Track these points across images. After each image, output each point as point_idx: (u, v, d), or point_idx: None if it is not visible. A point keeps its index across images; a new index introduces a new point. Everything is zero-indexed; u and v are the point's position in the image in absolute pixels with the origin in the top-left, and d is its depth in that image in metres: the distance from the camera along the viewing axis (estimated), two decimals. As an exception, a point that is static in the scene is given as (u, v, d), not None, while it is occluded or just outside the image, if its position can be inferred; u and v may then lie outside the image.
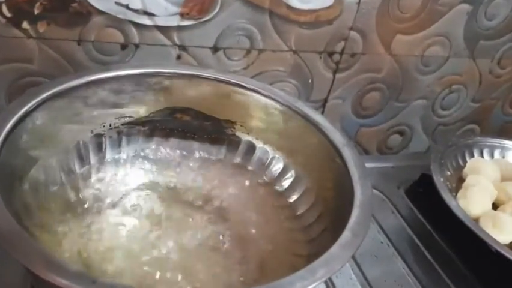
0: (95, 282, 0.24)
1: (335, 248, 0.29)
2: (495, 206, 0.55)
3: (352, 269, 0.47)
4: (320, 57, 0.56)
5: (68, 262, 0.25)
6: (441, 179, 0.52)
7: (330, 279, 0.46)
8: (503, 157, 0.63)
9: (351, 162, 0.37)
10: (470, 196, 0.52)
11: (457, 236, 0.50)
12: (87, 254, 0.38)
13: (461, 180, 0.58)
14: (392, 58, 0.59)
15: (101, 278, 0.24)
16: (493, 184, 0.56)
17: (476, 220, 0.51)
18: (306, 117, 0.42)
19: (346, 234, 0.30)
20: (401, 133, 0.68)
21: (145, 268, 0.36)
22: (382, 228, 0.53)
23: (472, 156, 0.61)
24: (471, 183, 0.55)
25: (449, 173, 0.57)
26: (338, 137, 0.39)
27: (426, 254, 0.50)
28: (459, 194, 0.53)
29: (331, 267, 0.28)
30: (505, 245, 0.49)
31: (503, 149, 0.64)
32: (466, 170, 0.59)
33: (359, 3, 0.53)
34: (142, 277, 0.35)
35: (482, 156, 0.62)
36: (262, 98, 0.44)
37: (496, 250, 0.45)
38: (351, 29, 0.55)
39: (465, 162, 0.60)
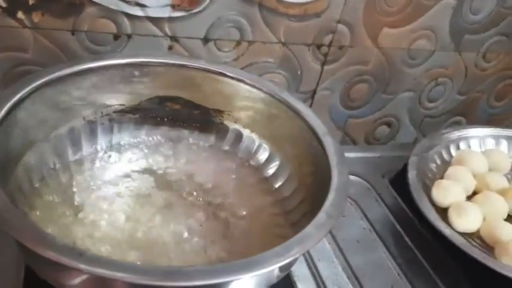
0: (82, 255, 0.25)
1: (309, 228, 0.31)
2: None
3: (334, 253, 0.49)
4: (309, 49, 0.57)
5: (57, 237, 0.27)
6: (415, 173, 0.53)
7: (313, 263, 0.48)
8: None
9: (331, 149, 0.38)
10: (442, 187, 0.54)
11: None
12: (78, 237, 0.39)
13: None
14: (379, 51, 0.61)
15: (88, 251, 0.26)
16: (476, 175, 0.57)
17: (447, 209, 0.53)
18: (290, 107, 0.43)
19: (321, 216, 0.32)
20: (389, 124, 0.70)
21: (132, 247, 0.38)
22: (365, 215, 0.54)
23: (465, 147, 0.62)
24: (450, 175, 0.57)
25: (434, 165, 0.58)
26: (319, 126, 0.41)
27: (407, 240, 0.52)
28: (434, 185, 0.55)
29: (304, 245, 0.30)
30: (472, 233, 0.51)
31: (495, 138, 0.64)
32: (452, 161, 0.60)
33: (346, -4, 0.54)
34: (129, 254, 0.37)
35: (480, 147, 0.63)
36: (249, 88, 0.45)
37: (451, 242, 0.47)
38: (338, 22, 0.56)
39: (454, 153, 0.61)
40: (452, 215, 0.51)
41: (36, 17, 0.45)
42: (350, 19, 0.56)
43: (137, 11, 0.48)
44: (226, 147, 0.48)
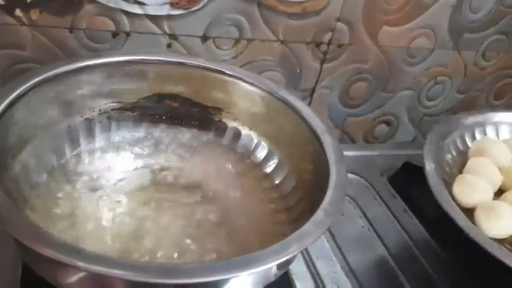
0: (79, 252, 0.25)
1: (307, 226, 0.31)
2: (502, 192, 0.49)
3: (333, 251, 0.49)
4: (308, 48, 0.57)
5: (55, 235, 0.26)
6: (433, 166, 0.45)
7: (311, 261, 0.48)
8: None
9: (329, 147, 0.38)
10: (466, 183, 0.47)
11: (438, 224, 0.47)
12: (77, 235, 0.39)
13: (465, 165, 0.52)
14: (378, 49, 0.61)
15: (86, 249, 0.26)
16: (501, 168, 0.50)
17: (473, 210, 0.46)
18: (288, 105, 0.43)
19: (319, 213, 0.32)
20: (388, 123, 0.70)
21: (132, 244, 0.38)
22: (364, 214, 0.54)
23: (482, 135, 0.55)
24: (472, 168, 0.50)
25: (450, 156, 0.51)
26: (318, 124, 0.41)
27: (407, 238, 0.52)
28: (456, 180, 0.47)
29: (302, 243, 0.30)
30: (505, 238, 0.44)
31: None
32: (470, 153, 0.53)
33: (345, -6, 0.54)
34: (128, 252, 0.37)
35: (497, 136, 0.56)
36: (247, 86, 0.46)
37: (491, 254, 0.39)
38: (338, 20, 0.56)
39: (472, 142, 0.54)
40: (481, 218, 0.44)
41: (34, 15, 0.45)
42: (350, 17, 0.56)
43: (136, 9, 0.48)
44: (225, 145, 0.48)
